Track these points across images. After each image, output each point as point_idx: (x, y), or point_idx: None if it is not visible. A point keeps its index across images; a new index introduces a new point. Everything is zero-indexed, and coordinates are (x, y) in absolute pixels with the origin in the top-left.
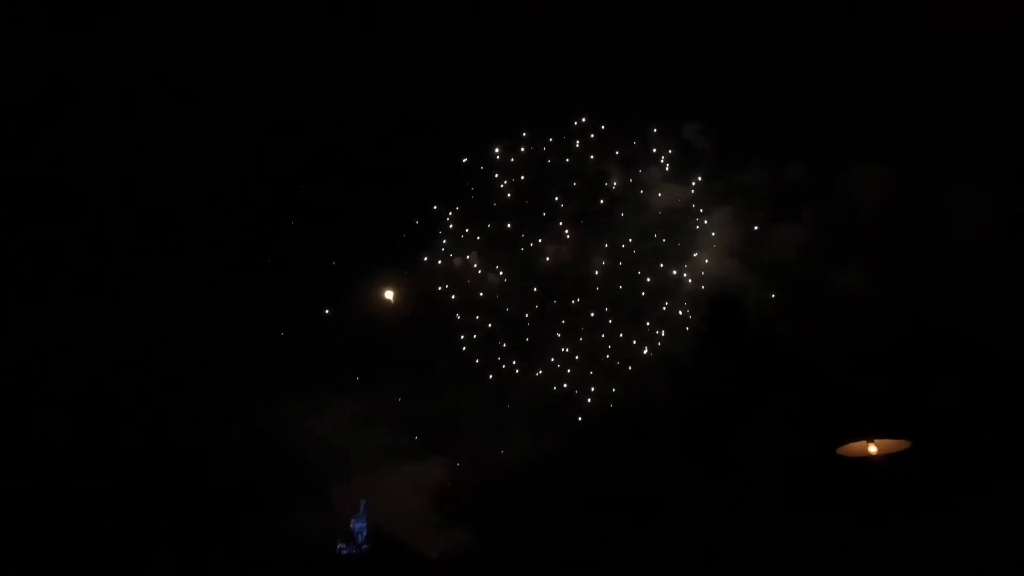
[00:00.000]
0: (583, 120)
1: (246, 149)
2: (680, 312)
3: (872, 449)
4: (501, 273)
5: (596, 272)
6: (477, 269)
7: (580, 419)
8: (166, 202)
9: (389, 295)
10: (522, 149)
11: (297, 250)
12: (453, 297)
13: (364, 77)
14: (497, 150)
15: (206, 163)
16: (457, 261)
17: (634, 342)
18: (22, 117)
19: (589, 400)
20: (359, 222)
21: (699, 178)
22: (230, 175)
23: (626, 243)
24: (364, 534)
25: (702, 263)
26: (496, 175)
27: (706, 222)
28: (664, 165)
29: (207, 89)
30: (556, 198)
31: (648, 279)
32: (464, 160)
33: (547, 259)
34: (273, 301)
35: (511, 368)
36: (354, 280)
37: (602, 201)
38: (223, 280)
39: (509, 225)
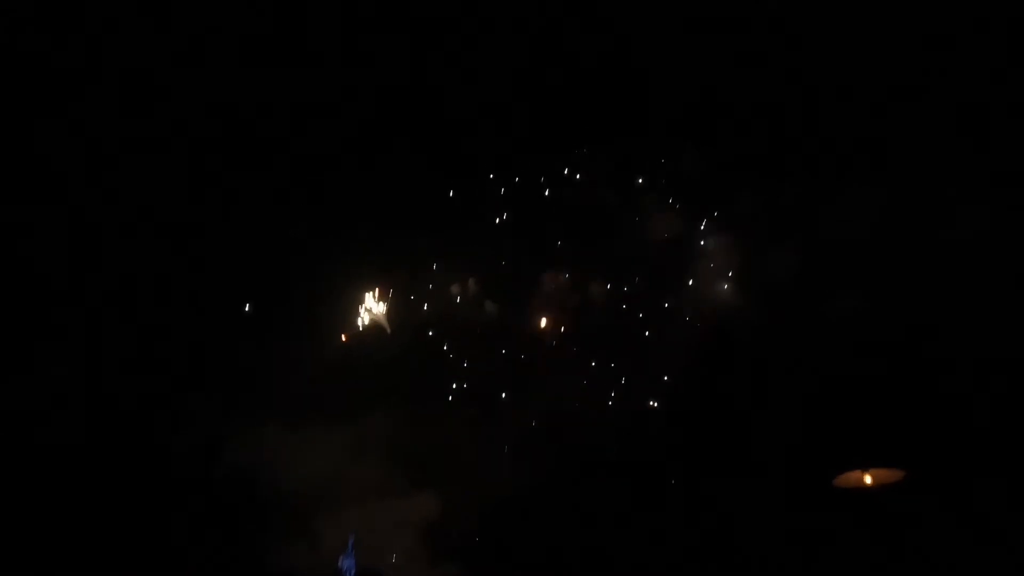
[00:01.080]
0: (578, 149)
1: (223, 181)
2: (675, 343)
3: (867, 479)
4: (492, 307)
5: (591, 303)
6: (462, 301)
7: (572, 455)
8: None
9: (380, 315)
10: (516, 179)
11: (282, 277)
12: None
13: (356, 103)
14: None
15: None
16: (455, 289)
17: (628, 376)
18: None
19: (581, 436)
20: (350, 249)
21: (693, 204)
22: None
23: (622, 273)
24: (352, 572)
25: (698, 291)
26: (491, 203)
27: (701, 249)
28: (659, 192)
29: (199, 106)
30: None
31: (643, 310)
32: (451, 193)
33: (542, 290)
34: (256, 330)
35: (502, 402)
36: (343, 307)
37: (597, 231)
38: (205, 309)
39: (502, 255)
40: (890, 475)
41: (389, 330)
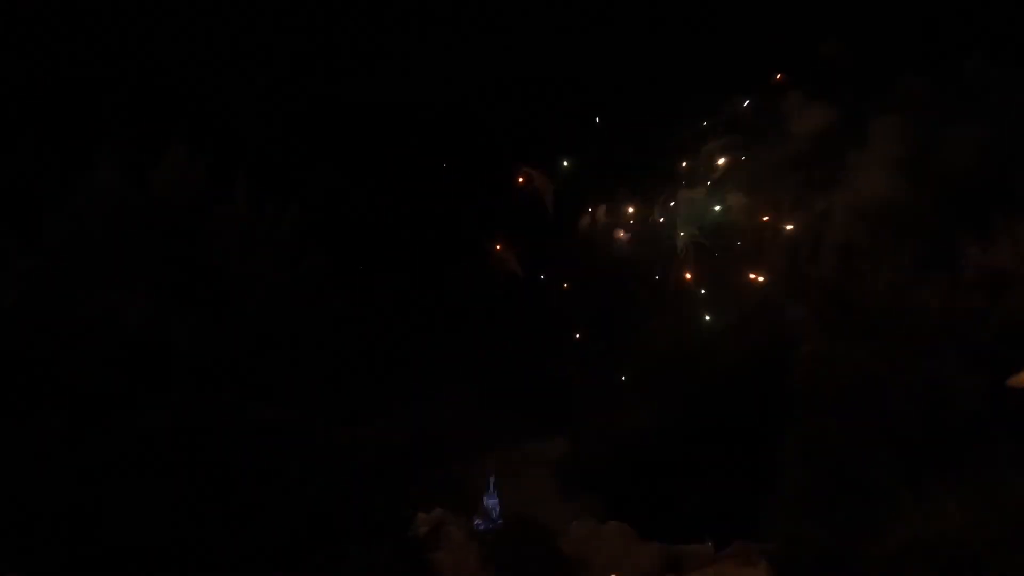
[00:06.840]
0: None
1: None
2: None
3: None
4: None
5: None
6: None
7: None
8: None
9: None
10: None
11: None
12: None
13: None
14: None
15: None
16: (585, 220)
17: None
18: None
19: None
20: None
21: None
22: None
23: (767, 181)
24: (498, 510)
25: (855, 187)
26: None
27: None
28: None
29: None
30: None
31: (789, 217)
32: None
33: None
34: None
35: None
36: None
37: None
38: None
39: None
40: None
41: (521, 274)
